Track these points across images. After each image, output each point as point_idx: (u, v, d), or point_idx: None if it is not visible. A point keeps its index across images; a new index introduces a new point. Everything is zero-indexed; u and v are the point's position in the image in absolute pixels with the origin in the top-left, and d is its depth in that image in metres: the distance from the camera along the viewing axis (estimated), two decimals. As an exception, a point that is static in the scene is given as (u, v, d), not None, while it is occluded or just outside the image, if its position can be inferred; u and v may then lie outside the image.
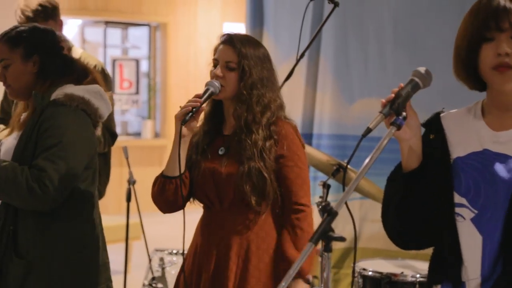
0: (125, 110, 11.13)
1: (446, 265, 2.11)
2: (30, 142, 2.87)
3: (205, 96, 2.77)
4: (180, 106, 2.79)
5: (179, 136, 2.76)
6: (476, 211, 2.03)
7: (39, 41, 2.96)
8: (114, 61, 10.75)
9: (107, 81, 4.26)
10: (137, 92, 10.84)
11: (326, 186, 3.76)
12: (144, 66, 11.16)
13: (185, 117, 2.74)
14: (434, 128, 2.12)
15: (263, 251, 2.84)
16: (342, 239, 1.79)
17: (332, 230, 1.77)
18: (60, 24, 4.29)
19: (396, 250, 4.07)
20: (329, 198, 3.79)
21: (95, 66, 4.19)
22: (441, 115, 2.16)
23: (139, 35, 11.29)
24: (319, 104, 5.10)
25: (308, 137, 5.13)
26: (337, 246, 5.04)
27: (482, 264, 2.02)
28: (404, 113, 1.96)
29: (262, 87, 2.84)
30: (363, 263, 4.00)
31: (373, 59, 4.78)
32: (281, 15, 5.25)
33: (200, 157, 2.88)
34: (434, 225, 2.08)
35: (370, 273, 3.81)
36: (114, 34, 11.20)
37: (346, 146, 4.86)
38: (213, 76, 2.84)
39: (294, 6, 4.91)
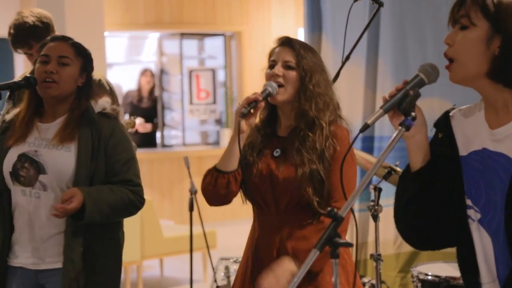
0: (203, 120, 11.23)
1: (463, 269, 2.04)
2: (98, 155, 3.09)
3: (264, 94, 2.79)
4: (239, 102, 2.81)
5: (237, 130, 2.77)
6: (480, 212, 1.96)
7: (91, 64, 3.26)
8: (190, 72, 10.87)
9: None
10: (214, 102, 10.93)
11: (378, 190, 3.70)
12: (220, 76, 11.24)
13: (244, 109, 2.75)
14: (442, 127, 2.07)
15: None
16: (349, 244, 1.75)
17: (339, 236, 1.73)
18: None
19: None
20: (381, 202, 3.72)
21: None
22: (450, 114, 2.10)
23: (215, 45, 11.37)
24: (379, 106, 5.02)
25: (370, 140, 5.06)
26: (403, 249, 4.96)
27: (497, 266, 1.94)
28: (413, 113, 1.91)
29: (321, 86, 2.85)
30: (422, 267, 3.92)
31: (432, 59, 4.66)
32: (338, 20, 5.21)
33: (256, 158, 2.89)
34: (446, 226, 2.01)
35: (429, 277, 3.73)
36: (191, 45, 11.32)
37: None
38: (271, 76, 2.85)
39: (351, 10, 4.87)
